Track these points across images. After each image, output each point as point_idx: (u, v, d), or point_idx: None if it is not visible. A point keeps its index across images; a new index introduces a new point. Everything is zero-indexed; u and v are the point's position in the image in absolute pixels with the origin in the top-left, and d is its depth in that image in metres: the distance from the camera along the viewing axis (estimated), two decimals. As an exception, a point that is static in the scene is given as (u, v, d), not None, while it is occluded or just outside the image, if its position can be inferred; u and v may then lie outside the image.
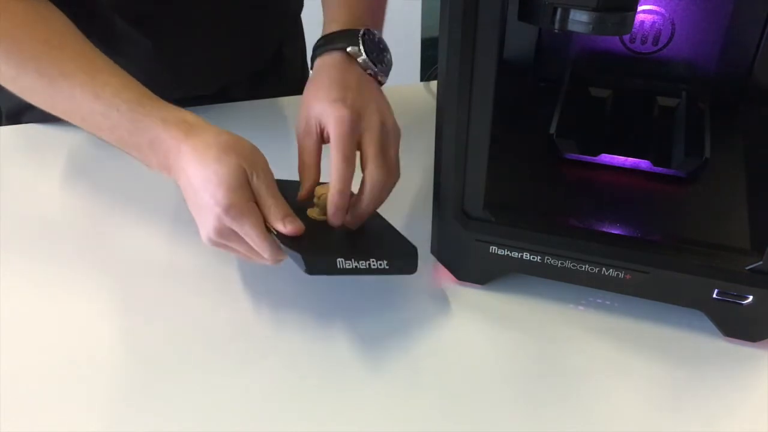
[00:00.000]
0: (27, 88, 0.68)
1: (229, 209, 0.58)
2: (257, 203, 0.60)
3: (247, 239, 0.60)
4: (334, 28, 0.71)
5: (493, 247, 0.63)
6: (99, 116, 0.65)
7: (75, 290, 0.68)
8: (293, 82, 1.07)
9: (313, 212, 0.64)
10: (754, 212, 0.63)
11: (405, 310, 0.66)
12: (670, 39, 0.73)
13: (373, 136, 0.63)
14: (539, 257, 0.62)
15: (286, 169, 0.83)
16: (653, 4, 0.72)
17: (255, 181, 0.60)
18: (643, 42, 0.74)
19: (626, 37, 0.74)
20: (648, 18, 0.73)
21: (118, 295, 0.67)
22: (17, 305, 0.67)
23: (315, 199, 0.65)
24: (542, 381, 0.60)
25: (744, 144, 0.71)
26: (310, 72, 0.71)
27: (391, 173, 0.64)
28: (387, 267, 0.60)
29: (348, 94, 0.65)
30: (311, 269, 0.59)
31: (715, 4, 0.70)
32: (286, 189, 0.65)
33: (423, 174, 0.79)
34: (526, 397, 0.59)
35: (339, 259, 0.59)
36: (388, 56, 0.72)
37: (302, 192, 0.64)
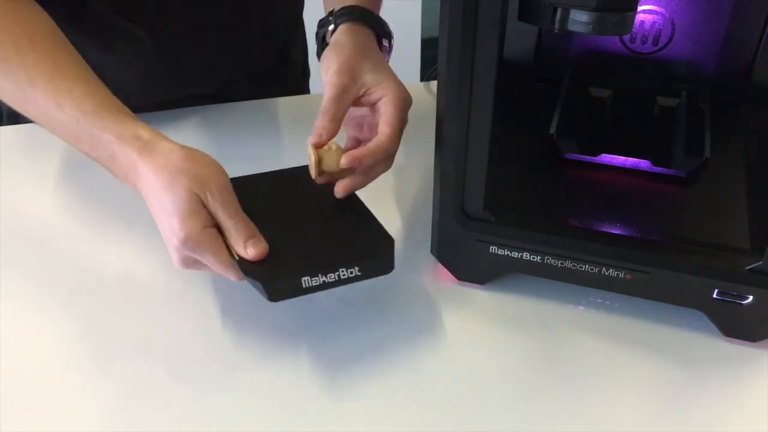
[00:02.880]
0: (1, 90, 0.67)
1: (186, 241, 0.57)
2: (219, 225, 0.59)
3: (210, 266, 0.59)
4: (364, 4, 0.71)
5: (493, 247, 0.63)
6: (62, 126, 0.65)
7: (72, 292, 0.68)
8: (294, 82, 1.07)
9: (318, 175, 0.63)
10: (754, 212, 0.63)
11: (405, 310, 0.66)
12: (670, 39, 0.73)
13: (407, 117, 0.66)
14: (539, 257, 0.62)
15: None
16: (653, 4, 0.72)
17: (210, 202, 0.58)
18: (643, 42, 0.74)
19: (626, 37, 0.74)
20: (648, 18, 0.73)
21: (116, 296, 0.67)
22: (17, 305, 0.67)
23: (317, 156, 0.62)
24: (542, 381, 0.60)
25: (744, 144, 0.71)
26: (317, 58, 0.72)
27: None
28: (359, 273, 0.58)
29: (396, 77, 0.67)
30: (274, 296, 0.57)
31: (715, 4, 0.70)
32: (264, 182, 0.65)
33: (423, 174, 0.79)
34: (526, 397, 0.59)
35: (304, 279, 0.57)
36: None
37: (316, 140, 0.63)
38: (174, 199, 0.58)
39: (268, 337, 0.63)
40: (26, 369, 0.61)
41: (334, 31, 0.70)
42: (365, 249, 0.60)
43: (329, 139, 0.62)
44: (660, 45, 0.74)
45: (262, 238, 0.58)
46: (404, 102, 0.65)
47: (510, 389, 0.59)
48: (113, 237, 0.73)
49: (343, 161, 0.61)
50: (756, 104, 0.74)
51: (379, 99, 0.65)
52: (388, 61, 0.72)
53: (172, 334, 0.64)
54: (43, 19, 0.69)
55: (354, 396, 0.59)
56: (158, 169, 0.59)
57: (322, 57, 0.69)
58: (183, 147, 0.61)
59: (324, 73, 0.67)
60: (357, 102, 0.66)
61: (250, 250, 0.58)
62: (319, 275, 0.57)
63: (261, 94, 0.94)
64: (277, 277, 0.57)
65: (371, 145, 0.62)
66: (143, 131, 0.62)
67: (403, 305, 0.66)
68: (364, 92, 0.66)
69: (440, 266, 0.68)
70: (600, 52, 0.76)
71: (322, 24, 0.72)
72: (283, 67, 1.03)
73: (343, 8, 0.71)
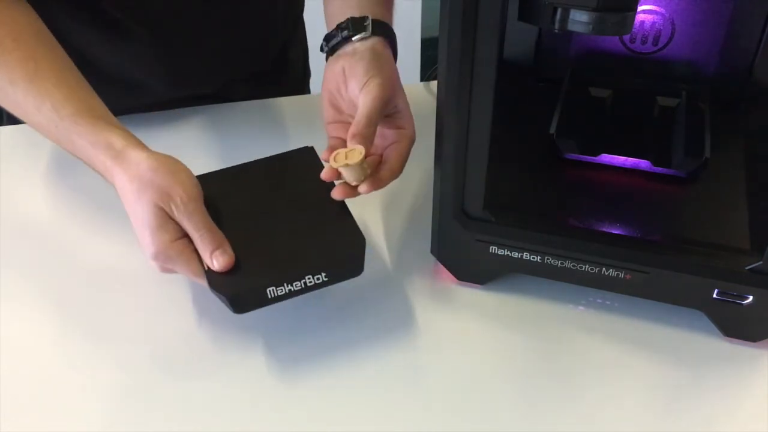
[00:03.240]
0: None
1: (157, 255, 0.59)
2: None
3: (184, 275, 0.60)
4: (376, 14, 0.70)
5: (493, 247, 0.63)
6: (42, 128, 0.65)
7: (72, 291, 0.68)
8: (294, 83, 1.07)
9: (335, 159, 0.61)
10: (754, 212, 0.63)
11: (405, 310, 0.66)
12: (670, 39, 0.73)
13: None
14: (539, 257, 0.62)
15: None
16: (653, 4, 0.72)
17: (176, 214, 0.59)
18: (643, 42, 0.74)
19: (626, 37, 0.74)
20: (648, 18, 0.73)
21: (117, 295, 0.67)
22: (17, 305, 0.67)
23: (339, 157, 0.61)
24: (542, 381, 0.60)
25: (744, 144, 0.71)
26: (322, 65, 0.71)
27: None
28: (326, 279, 0.57)
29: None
30: (239, 308, 0.57)
31: (715, 4, 0.70)
32: (233, 177, 0.65)
33: (423, 174, 0.79)
34: (525, 397, 0.59)
35: (269, 289, 0.56)
36: None
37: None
38: (142, 212, 0.58)
39: (265, 337, 0.63)
40: (26, 369, 0.61)
41: (366, 38, 0.68)
42: (333, 252, 0.59)
43: (371, 146, 0.62)
44: (660, 45, 0.74)
45: (228, 249, 0.58)
46: (414, 140, 0.66)
47: (510, 389, 0.59)
48: (114, 236, 0.73)
49: (364, 188, 0.61)
50: (756, 104, 0.74)
51: (397, 128, 0.65)
52: None
53: (173, 333, 0.64)
54: (28, 18, 0.69)
55: (353, 396, 0.59)
56: (128, 180, 0.60)
57: (351, 57, 0.67)
58: (151, 156, 0.61)
59: (349, 74, 0.66)
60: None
61: (216, 261, 0.58)
62: (285, 284, 0.57)
63: (261, 94, 0.94)
64: (240, 290, 0.57)
65: (386, 174, 0.63)
66: (116, 139, 0.62)
67: (403, 305, 0.66)
68: (391, 114, 0.66)
69: (440, 266, 0.68)
70: (600, 52, 0.76)
71: (356, 27, 0.69)
72: (283, 67, 1.02)
73: (380, 21, 0.70)
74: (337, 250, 0.60)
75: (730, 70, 0.73)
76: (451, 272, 0.68)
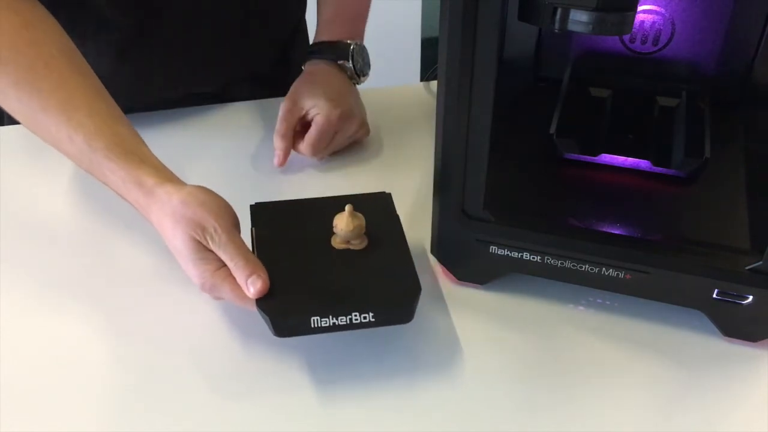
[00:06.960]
0: (13, 111, 0.68)
1: (203, 286, 0.60)
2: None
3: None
4: (326, 37, 0.86)
5: (493, 247, 0.63)
6: (73, 157, 0.66)
7: (70, 293, 0.68)
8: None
9: (335, 241, 0.62)
10: (754, 212, 0.63)
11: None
12: (670, 39, 0.73)
13: (344, 138, 0.82)
14: (539, 257, 0.62)
15: (285, 168, 0.83)
16: (653, 4, 0.72)
17: (211, 245, 0.59)
18: (643, 42, 0.74)
19: (626, 37, 0.74)
20: (648, 18, 0.73)
21: (112, 299, 0.67)
22: (14, 306, 0.67)
23: (334, 228, 0.62)
24: (542, 381, 0.60)
25: (744, 144, 0.71)
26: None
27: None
28: (373, 320, 0.57)
29: (339, 99, 0.80)
30: (280, 331, 0.56)
31: (715, 4, 0.70)
32: (305, 209, 0.65)
33: (423, 174, 0.79)
34: (526, 398, 0.59)
35: (313, 318, 0.56)
36: (368, 60, 0.88)
37: (280, 160, 0.79)
38: (181, 246, 0.59)
39: (262, 340, 0.63)
40: (27, 368, 0.61)
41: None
42: (386, 295, 0.59)
43: (286, 156, 0.79)
44: (660, 45, 0.74)
45: (263, 274, 0.58)
46: (328, 120, 0.79)
47: (509, 389, 0.59)
48: (116, 236, 0.73)
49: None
50: (756, 104, 0.74)
51: (315, 116, 0.79)
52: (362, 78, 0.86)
53: (180, 333, 0.64)
54: (56, 37, 0.68)
55: (352, 395, 0.59)
56: (162, 217, 0.60)
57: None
58: (182, 190, 0.61)
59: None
60: (303, 121, 0.81)
61: (251, 287, 0.57)
62: (330, 317, 0.56)
63: (262, 94, 0.94)
64: (285, 313, 0.57)
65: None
66: (146, 177, 0.62)
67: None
68: (305, 113, 0.80)
69: (440, 266, 0.68)
70: (600, 52, 0.76)
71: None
72: (285, 67, 1.02)
73: (310, 47, 0.88)
74: (390, 294, 0.59)
75: (730, 70, 0.73)
76: (451, 272, 0.68)
